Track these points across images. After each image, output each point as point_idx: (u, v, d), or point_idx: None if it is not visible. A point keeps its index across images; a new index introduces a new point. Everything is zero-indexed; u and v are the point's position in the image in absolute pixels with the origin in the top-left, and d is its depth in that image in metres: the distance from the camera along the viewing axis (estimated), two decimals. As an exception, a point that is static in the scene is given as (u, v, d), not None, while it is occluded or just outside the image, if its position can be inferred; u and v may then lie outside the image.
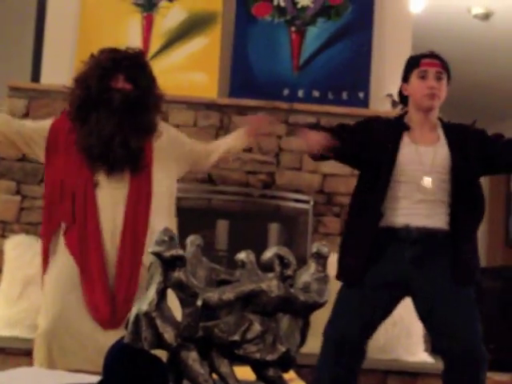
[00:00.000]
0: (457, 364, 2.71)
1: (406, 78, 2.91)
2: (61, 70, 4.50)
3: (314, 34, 4.55)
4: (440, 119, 2.93)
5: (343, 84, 4.51)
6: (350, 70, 4.49)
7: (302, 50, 4.51)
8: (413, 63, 2.90)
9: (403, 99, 2.96)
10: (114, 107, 2.67)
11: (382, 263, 2.74)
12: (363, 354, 2.80)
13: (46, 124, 2.81)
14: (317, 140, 2.72)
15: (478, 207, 2.84)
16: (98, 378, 1.42)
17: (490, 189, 8.18)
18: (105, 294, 2.61)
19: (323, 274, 1.19)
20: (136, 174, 2.71)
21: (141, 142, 2.71)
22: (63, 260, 2.70)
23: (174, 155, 2.87)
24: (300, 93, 4.50)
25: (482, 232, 8.28)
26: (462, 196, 2.78)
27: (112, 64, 2.71)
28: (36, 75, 4.59)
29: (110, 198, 2.70)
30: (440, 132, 2.87)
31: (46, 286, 2.72)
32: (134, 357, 1.34)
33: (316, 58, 4.52)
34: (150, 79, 2.80)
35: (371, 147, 2.81)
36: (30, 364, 2.67)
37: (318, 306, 1.16)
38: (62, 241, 2.73)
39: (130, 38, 4.48)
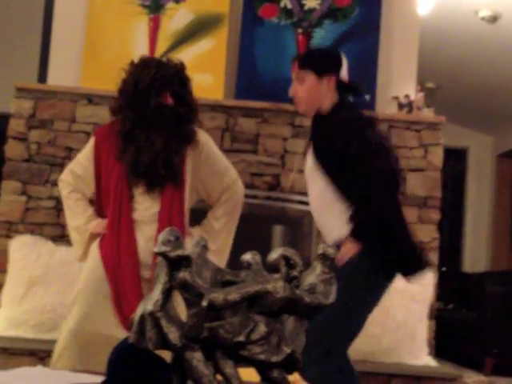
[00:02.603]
0: None
1: None
2: (67, 70, 4.51)
3: (321, 36, 4.55)
4: (317, 113, 2.78)
5: (349, 86, 4.50)
6: (357, 72, 4.48)
7: (308, 53, 4.51)
8: None
9: None
10: (165, 123, 2.71)
11: None
12: None
13: (89, 151, 2.86)
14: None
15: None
16: (102, 378, 1.42)
17: (496, 193, 8.17)
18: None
19: (329, 276, 1.18)
20: (169, 188, 2.74)
21: (182, 157, 2.76)
22: (94, 263, 2.72)
23: (200, 176, 2.88)
24: (306, 95, 4.49)
25: (486, 237, 8.30)
26: (344, 191, 2.67)
27: (165, 81, 2.74)
28: (43, 76, 4.60)
29: (146, 212, 2.74)
30: None
31: (78, 285, 2.74)
32: (138, 357, 1.34)
33: (322, 61, 4.52)
34: (191, 92, 2.84)
35: None
36: (34, 364, 2.67)
37: (323, 307, 1.16)
38: (95, 244, 2.77)
39: (136, 39, 4.49)
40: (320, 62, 2.80)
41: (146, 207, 2.75)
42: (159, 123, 2.72)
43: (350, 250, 2.61)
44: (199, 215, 2.98)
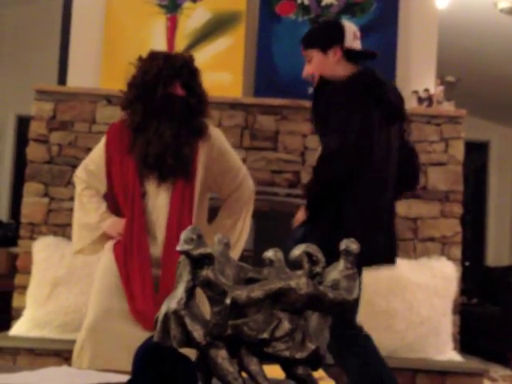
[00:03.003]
0: None
1: None
2: (87, 72, 4.54)
3: (339, 32, 4.53)
4: None
5: (368, 81, 4.48)
6: (375, 66, 4.46)
7: (326, 48, 4.50)
8: None
9: None
10: (176, 114, 2.71)
11: None
12: None
13: (101, 148, 2.87)
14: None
15: None
16: (127, 378, 1.42)
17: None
18: (149, 301, 2.64)
19: (352, 271, 1.18)
20: (180, 182, 2.75)
21: (193, 149, 2.75)
22: (108, 263, 2.74)
23: (213, 171, 2.88)
24: (325, 91, 4.48)
25: (509, 230, 8.22)
26: None
27: (173, 71, 2.73)
28: (62, 78, 4.63)
29: (157, 204, 2.74)
30: None
31: (94, 284, 2.76)
32: (163, 355, 1.34)
33: (341, 56, 4.50)
34: (201, 84, 2.83)
35: None
36: (59, 364, 2.70)
37: (346, 303, 1.16)
38: (109, 244, 2.79)
39: (154, 39, 4.50)
40: (321, 38, 2.81)
41: (158, 202, 2.75)
42: (169, 114, 2.72)
43: (298, 216, 2.72)
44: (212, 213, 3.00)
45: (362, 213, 2.63)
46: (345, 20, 3.01)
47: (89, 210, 2.85)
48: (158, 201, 2.75)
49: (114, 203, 2.83)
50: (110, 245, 2.79)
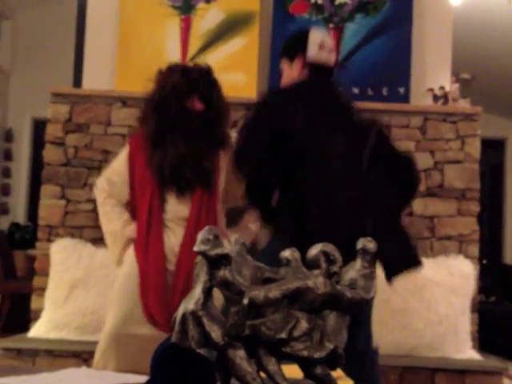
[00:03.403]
0: None
1: None
2: (102, 74, 4.56)
3: (353, 31, 4.52)
4: None
5: (383, 80, 4.47)
6: (390, 65, 4.45)
7: (340, 47, 4.49)
8: None
9: None
10: (192, 129, 2.71)
11: None
12: None
13: (123, 158, 2.88)
14: None
15: None
16: (145, 379, 1.43)
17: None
18: (160, 302, 2.65)
19: (369, 270, 1.17)
20: (198, 193, 2.76)
21: (214, 161, 2.75)
22: (129, 268, 2.75)
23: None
24: (339, 90, 4.47)
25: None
26: None
27: (188, 87, 2.74)
28: (78, 81, 4.66)
29: (177, 214, 2.75)
30: None
31: (114, 288, 2.78)
32: (181, 356, 1.34)
33: (355, 55, 4.50)
34: (221, 94, 2.83)
35: None
36: (78, 365, 2.71)
37: (364, 302, 1.15)
38: (131, 247, 2.81)
39: (168, 40, 4.51)
40: (288, 47, 2.76)
41: (177, 211, 2.76)
42: (185, 128, 2.72)
43: None
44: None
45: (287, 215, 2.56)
46: (317, 29, 2.85)
47: (112, 218, 2.87)
48: (178, 211, 2.76)
49: (136, 213, 2.85)
50: (131, 249, 2.81)
